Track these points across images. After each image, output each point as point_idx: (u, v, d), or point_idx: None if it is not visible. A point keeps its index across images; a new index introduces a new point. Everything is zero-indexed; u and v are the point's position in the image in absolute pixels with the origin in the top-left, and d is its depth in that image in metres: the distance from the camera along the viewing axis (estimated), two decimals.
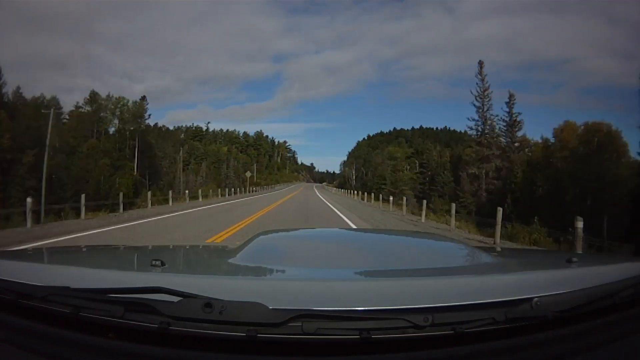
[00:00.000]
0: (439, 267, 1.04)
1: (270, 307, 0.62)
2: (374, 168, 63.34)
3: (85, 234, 7.51)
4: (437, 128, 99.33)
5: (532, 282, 0.84)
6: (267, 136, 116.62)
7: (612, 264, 1.13)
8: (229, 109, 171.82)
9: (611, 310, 0.77)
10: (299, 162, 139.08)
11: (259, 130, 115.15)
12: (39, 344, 0.67)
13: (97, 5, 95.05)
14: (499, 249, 2.20)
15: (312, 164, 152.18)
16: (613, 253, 8.96)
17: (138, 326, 0.65)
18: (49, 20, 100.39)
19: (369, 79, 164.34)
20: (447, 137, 79.44)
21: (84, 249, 1.74)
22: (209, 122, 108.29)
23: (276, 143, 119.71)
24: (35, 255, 1.33)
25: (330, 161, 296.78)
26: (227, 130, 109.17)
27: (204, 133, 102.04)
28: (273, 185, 67.37)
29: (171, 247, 2.35)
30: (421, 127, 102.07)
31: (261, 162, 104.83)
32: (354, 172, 73.63)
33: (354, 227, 9.35)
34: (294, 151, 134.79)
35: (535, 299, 0.69)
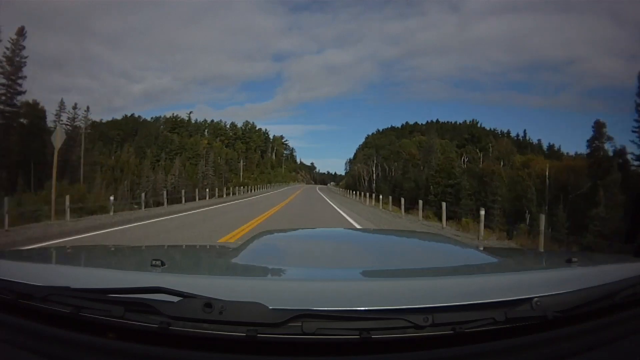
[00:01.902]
0: (439, 267, 1.11)
1: (270, 307, 0.67)
2: (406, 162, 52.61)
3: None
4: (456, 122, 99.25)
5: (532, 282, 0.91)
6: (259, 129, 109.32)
7: (612, 264, 1.21)
8: (227, 109, 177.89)
9: (611, 310, 0.83)
10: (298, 161, 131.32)
11: (250, 121, 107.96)
12: (39, 344, 0.72)
13: (94, 2, 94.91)
14: (499, 249, 2.34)
15: (312, 163, 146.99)
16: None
17: (138, 326, 0.70)
18: (47, 18, 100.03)
19: (371, 79, 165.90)
20: (469, 132, 79.06)
21: (84, 249, 1.80)
22: (190, 112, 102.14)
23: (271, 138, 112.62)
24: (35, 255, 1.39)
25: (331, 163, 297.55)
26: (212, 120, 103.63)
27: (185, 124, 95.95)
28: (248, 190, 43.64)
29: (171, 247, 2.45)
30: (437, 120, 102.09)
31: (251, 158, 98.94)
32: (373, 169, 62.45)
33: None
34: (292, 148, 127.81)
35: (535, 299, 0.75)
